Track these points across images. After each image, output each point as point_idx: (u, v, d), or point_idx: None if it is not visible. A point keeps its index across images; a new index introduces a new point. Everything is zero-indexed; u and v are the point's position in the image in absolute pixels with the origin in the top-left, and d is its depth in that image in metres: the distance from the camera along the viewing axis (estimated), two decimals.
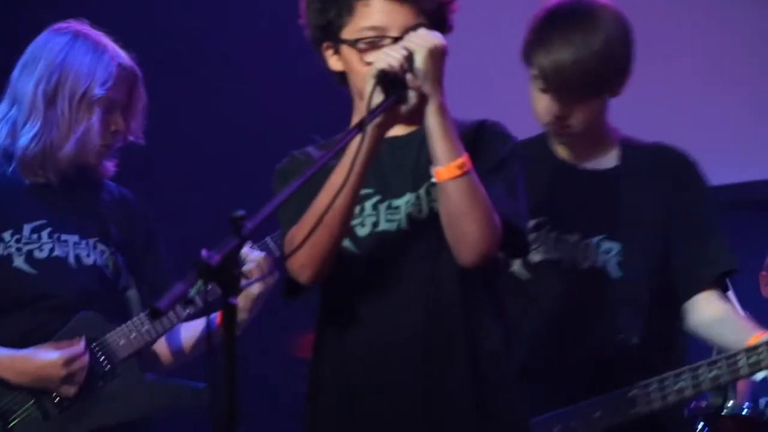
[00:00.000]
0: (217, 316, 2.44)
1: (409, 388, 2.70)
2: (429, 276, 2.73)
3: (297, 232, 2.64)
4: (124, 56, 3.46)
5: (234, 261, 2.24)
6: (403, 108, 2.58)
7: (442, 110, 2.60)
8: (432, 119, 2.58)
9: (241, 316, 3.15)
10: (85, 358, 3.37)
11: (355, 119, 2.71)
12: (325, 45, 2.75)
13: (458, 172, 2.58)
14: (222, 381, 2.24)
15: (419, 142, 2.68)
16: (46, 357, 3.33)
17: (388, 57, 2.55)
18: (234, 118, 5.24)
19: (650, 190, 3.19)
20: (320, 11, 2.73)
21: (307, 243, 2.58)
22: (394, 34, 2.63)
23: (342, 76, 2.76)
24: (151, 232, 3.61)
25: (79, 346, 3.36)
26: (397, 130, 2.71)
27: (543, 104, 3.12)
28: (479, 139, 2.74)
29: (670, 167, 3.22)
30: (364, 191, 2.70)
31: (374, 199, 2.75)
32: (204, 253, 2.19)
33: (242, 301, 3.08)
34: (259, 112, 5.20)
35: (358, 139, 2.55)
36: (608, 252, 3.15)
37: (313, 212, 2.60)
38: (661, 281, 3.15)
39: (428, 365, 2.70)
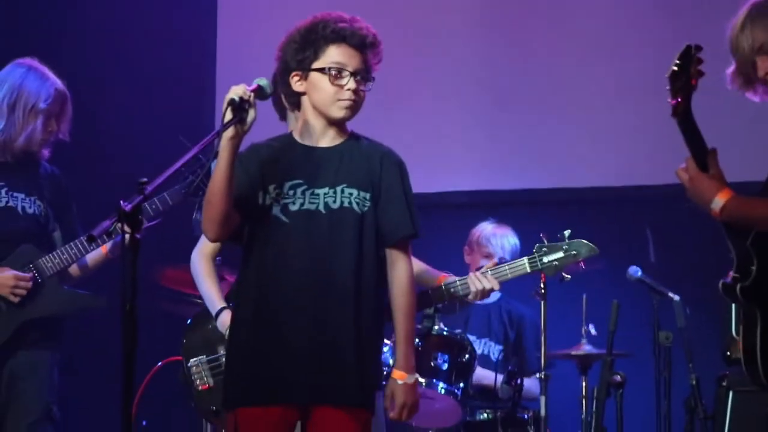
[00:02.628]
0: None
1: (302, 311, 3.23)
2: (331, 245, 3.25)
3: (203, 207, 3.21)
4: (59, 83, 4.43)
5: (139, 210, 2.83)
6: (244, 127, 3.11)
7: None
8: None
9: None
10: (30, 282, 4.24)
11: (297, 126, 3.35)
12: (293, 73, 3.32)
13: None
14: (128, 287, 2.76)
15: (339, 153, 3.29)
16: (2, 274, 4.28)
17: (233, 93, 3.08)
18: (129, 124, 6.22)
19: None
20: (297, 50, 3.31)
21: (206, 214, 3.22)
22: (350, 69, 3.30)
23: (298, 97, 3.33)
24: (69, 195, 4.47)
25: (29, 275, 4.27)
26: (324, 143, 3.33)
27: None
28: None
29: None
30: (295, 181, 3.27)
31: (303, 187, 3.29)
32: (121, 203, 2.82)
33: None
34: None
35: (224, 145, 3.13)
36: None
37: (207, 194, 3.20)
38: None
39: (318, 299, 3.23)
